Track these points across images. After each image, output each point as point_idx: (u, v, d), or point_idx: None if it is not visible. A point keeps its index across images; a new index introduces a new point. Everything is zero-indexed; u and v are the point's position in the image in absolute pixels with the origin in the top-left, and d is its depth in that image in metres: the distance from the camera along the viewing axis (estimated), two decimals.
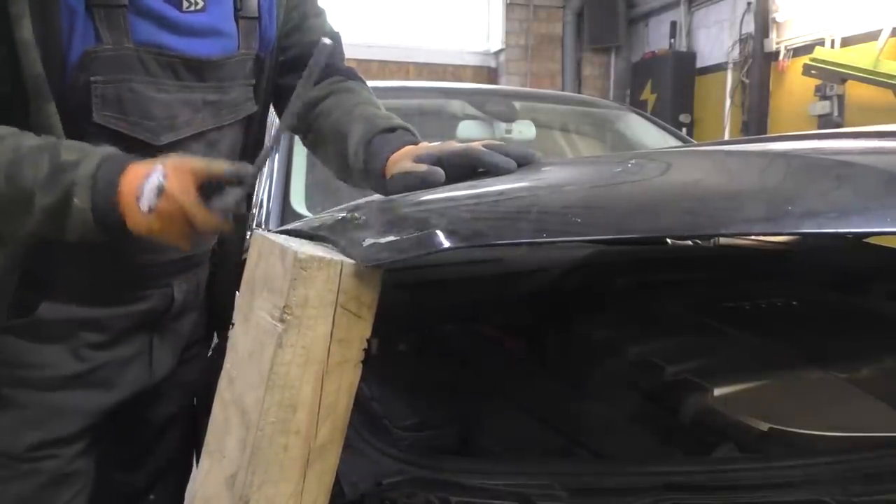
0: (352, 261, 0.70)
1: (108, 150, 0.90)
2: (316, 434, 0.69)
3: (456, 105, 2.54)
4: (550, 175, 0.92)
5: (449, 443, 0.98)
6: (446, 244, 0.69)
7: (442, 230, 0.71)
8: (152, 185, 0.83)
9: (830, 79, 4.27)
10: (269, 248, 0.73)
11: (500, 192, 0.85)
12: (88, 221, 0.86)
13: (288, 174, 1.93)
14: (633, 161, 0.92)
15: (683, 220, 0.74)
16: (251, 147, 1.15)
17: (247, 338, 0.72)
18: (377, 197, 1.00)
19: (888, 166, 0.81)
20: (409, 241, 0.71)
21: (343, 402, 0.71)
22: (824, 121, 4.37)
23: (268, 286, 0.70)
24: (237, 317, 0.74)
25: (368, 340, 0.74)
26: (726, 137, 5.12)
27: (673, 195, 0.81)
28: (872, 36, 4.12)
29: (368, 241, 0.73)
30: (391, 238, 0.72)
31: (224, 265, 1.25)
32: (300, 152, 2.03)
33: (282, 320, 0.66)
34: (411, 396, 1.04)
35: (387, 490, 0.79)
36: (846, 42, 4.35)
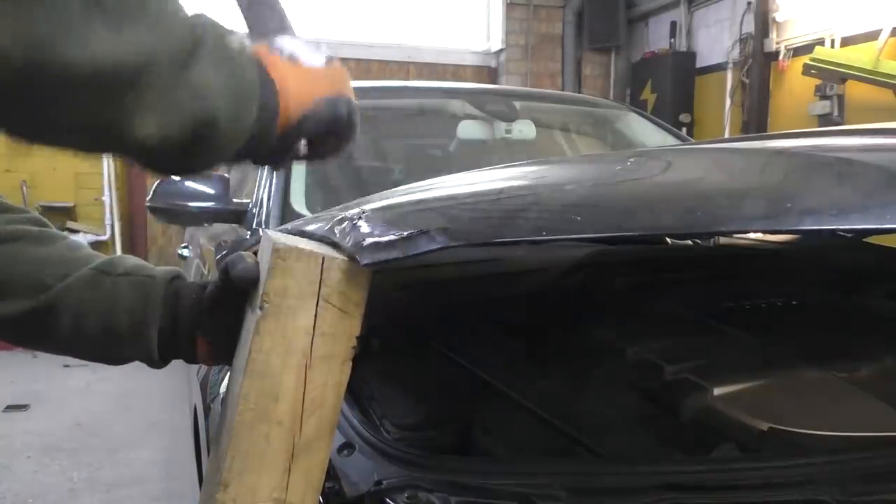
0: (336, 255, 0.70)
1: None
2: (301, 428, 0.69)
3: (456, 105, 2.54)
4: (550, 173, 0.92)
5: (449, 443, 0.98)
6: (446, 243, 0.69)
7: (442, 229, 0.71)
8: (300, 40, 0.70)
9: (830, 79, 4.27)
10: (265, 243, 0.74)
11: (500, 191, 0.85)
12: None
13: (288, 174, 1.93)
14: (632, 159, 0.92)
15: (683, 218, 0.74)
16: None
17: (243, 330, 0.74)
18: (377, 196, 0.99)
19: (888, 163, 0.80)
20: (409, 240, 0.71)
21: (331, 398, 0.71)
22: (824, 121, 4.37)
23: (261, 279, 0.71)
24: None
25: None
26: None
27: (673, 193, 0.81)
28: (872, 36, 4.12)
29: (369, 241, 0.73)
30: (391, 237, 0.72)
31: None
32: None
33: (261, 308, 0.67)
34: (411, 396, 1.04)
35: (387, 490, 0.79)
36: (846, 42, 4.35)
